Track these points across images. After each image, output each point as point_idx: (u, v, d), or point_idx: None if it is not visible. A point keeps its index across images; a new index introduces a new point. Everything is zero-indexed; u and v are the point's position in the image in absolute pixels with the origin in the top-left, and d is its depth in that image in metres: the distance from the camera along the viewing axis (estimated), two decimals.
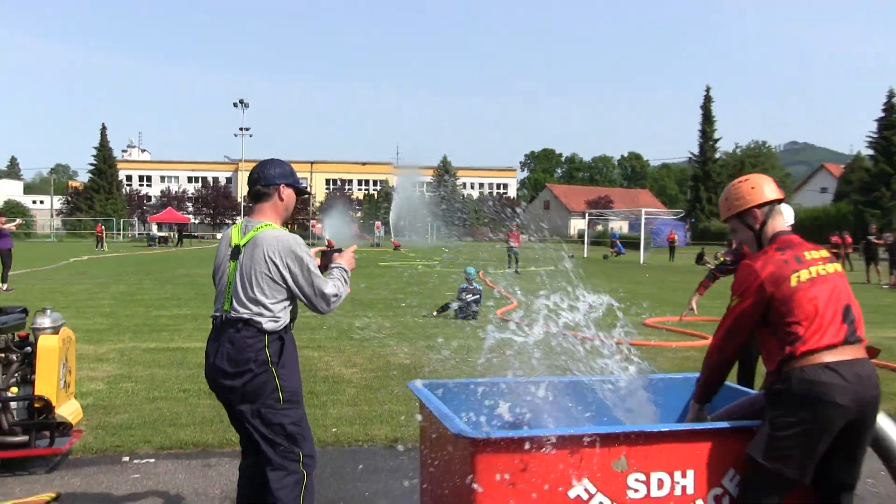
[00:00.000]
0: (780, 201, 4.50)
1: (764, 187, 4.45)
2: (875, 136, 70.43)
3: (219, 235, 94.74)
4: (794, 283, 4.10)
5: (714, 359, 4.41)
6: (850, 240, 41.16)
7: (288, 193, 4.88)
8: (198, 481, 6.63)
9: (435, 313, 17.85)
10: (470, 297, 17.50)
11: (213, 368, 4.59)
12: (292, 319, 4.71)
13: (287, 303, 4.64)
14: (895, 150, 68.64)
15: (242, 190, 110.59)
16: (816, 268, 4.16)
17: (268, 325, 4.52)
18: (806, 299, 4.07)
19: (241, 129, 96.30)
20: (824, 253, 4.29)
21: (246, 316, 4.51)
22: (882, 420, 4.30)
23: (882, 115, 69.85)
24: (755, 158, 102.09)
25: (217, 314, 4.68)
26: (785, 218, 5.86)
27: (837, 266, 4.28)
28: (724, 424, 4.29)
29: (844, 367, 4.01)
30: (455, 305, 17.43)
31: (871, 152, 71.77)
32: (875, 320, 18.34)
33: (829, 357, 4.01)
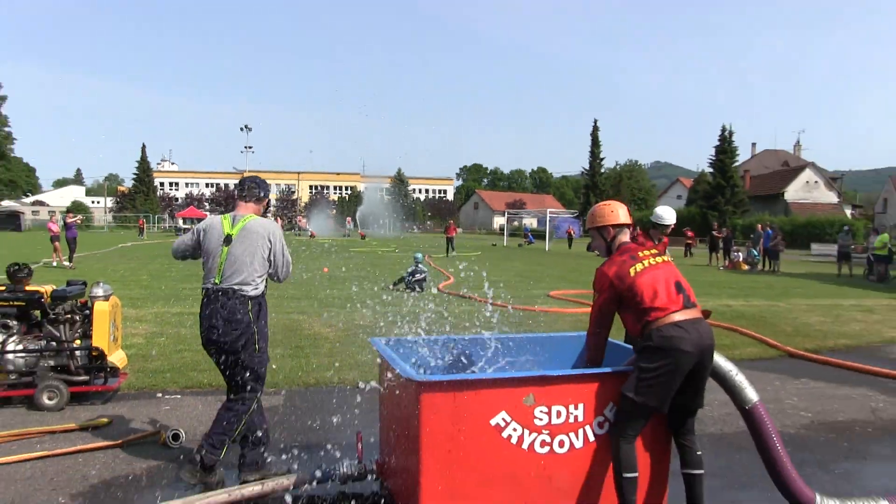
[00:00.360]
0: (628, 225, 4.67)
1: (619, 212, 4.66)
2: (714, 158, 71.60)
3: None
4: (632, 273, 4.29)
5: (592, 340, 4.56)
6: (692, 234, 41.99)
7: (268, 200, 5.24)
8: (213, 412, 6.51)
9: (392, 285, 17.80)
10: (419, 276, 17.50)
11: (210, 328, 4.76)
12: (265, 288, 4.96)
13: (265, 275, 4.91)
14: (727, 169, 69.99)
15: None
16: (647, 260, 4.37)
17: (251, 292, 4.78)
18: (645, 283, 4.27)
19: (245, 146, 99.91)
20: (654, 251, 4.48)
21: (235, 287, 4.74)
22: (717, 358, 4.38)
23: (718, 143, 71.10)
24: (630, 172, 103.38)
25: (208, 286, 4.82)
26: (664, 219, 6.30)
27: (664, 258, 4.46)
28: (605, 370, 4.31)
29: (688, 324, 4.15)
30: (408, 279, 17.47)
31: (711, 170, 72.86)
32: (713, 292, 18.63)
33: (676, 318, 4.16)
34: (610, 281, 4.33)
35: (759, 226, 33.93)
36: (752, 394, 4.45)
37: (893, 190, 75.60)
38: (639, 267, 4.32)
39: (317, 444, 5.81)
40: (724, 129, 71.61)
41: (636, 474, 4.12)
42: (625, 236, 4.63)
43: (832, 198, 75.28)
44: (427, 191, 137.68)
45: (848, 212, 73.77)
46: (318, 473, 4.73)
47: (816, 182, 75.72)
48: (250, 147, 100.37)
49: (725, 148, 71.01)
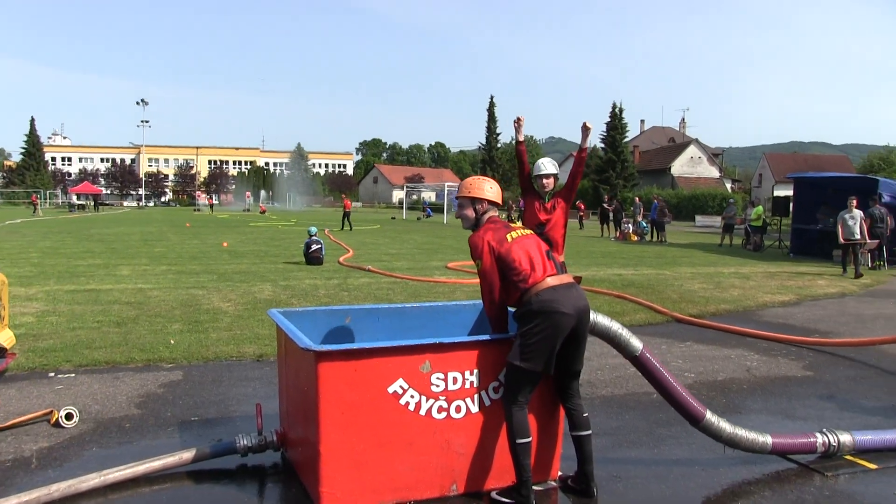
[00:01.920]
0: (497, 205, 4.69)
1: (497, 190, 4.66)
2: (605, 133, 73.36)
3: (126, 203, 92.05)
4: (509, 239, 4.33)
5: (491, 310, 4.43)
6: (583, 206, 43.04)
7: None
8: (108, 390, 6.33)
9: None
10: (314, 248, 17.13)
11: None
12: None
13: None
14: (618, 144, 71.92)
15: (144, 168, 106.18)
16: (518, 231, 4.44)
17: None
18: (520, 251, 4.30)
19: (142, 121, 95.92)
20: (520, 226, 4.60)
21: None
22: (595, 316, 4.49)
23: (609, 119, 72.90)
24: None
25: None
26: (541, 168, 6.34)
27: (528, 231, 4.57)
28: (497, 336, 4.36)
29: (563, 287, 4.21)
30: (305, 251, 17.11)
31: (602, 145, 74.60)
32: (605, 262, 19.16)
33: (551, 282, 4.20)
34: (488, 244, 4.31)
35: (637, 198, 35.03)
36: (636, 343, 4.61)
37: (768, 166, 79.24)
38: (513, 235, 4.37)
39: (216, 418, 5.68)
40: (614, 107, 73.68)
41: (529, 439, 4.18)
42: (492, 214, 4.64)
43: (714, 172, 78.42)
44: (327, 165, 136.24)
45: (728, 186, 77.02)
46: (217, 447, 4.63)
47: (700, 157, 78.69)
48: (147, 121, 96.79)
49: (616, 124, 73.04)
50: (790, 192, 27.21)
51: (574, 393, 4.44)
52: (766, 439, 4.79)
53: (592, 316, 4.48)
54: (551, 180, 6.58)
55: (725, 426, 4.68)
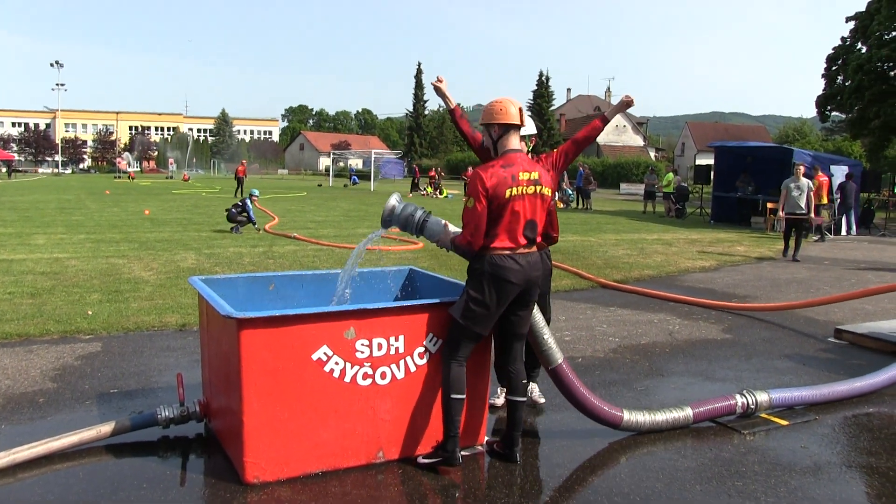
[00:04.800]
0: (517, 126, 4.33)
1: (509, 110, 4.28)
2: (532, 102, 73.98)
3: (41, 170, 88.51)
4: (507, 195, 4.09)
5: (465, 245, 4.21)
6: (433, 172, 43.35)
7: None
8: (20, 364, 6.07)
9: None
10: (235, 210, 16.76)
11: None
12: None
13: None
14: (545, 112, 72.55)
15: (60, 133, 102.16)
16: (522, 188, 4.14)
17: None
18: (510, 210, 4.11)
19: (57, 84, 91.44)
20: (535, 175, 4.19)
21: None
22: (536, 314, 4.49)
23: (536, 88, 73.46)
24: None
25: None
26: (527, 129, 5.38)
27: (537, 188, 4.19)
28: (423, 302, 4.33)
29: (520, 256, 4.14)
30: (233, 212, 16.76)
31: (529, 113, 75.17)
32: None
33: (509, 252, 4.12)
34: (486, 191, 4.08)
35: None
36: (557, 355, 4.59)
37: (690, 135, 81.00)
38: (514, 191, 4.10)
39: (137, 389, 5.52)
40: (541, 75, 74.32)
41: (463, 396, 4.19)
42: (513, 140, 4.30)
43: (639, 141, 79.80)
44: (252, 132, 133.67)
45: (652, 154, 78.47)
46: (137, 419, 4.50)
47: (625, 126, 79.90)
48: (62, 84, 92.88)
49: (543, 92, 73.70)
50: (712, 161, 27.88)
51: (516, 357, 4.43)
52: (687, 413, 4.93)
53: (534, 315, 4.48)
54: (523, 144, 5.50)
55: (644, 418, 4.79)
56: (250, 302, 4.85)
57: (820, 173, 19.56)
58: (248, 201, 17.11)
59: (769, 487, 4.13)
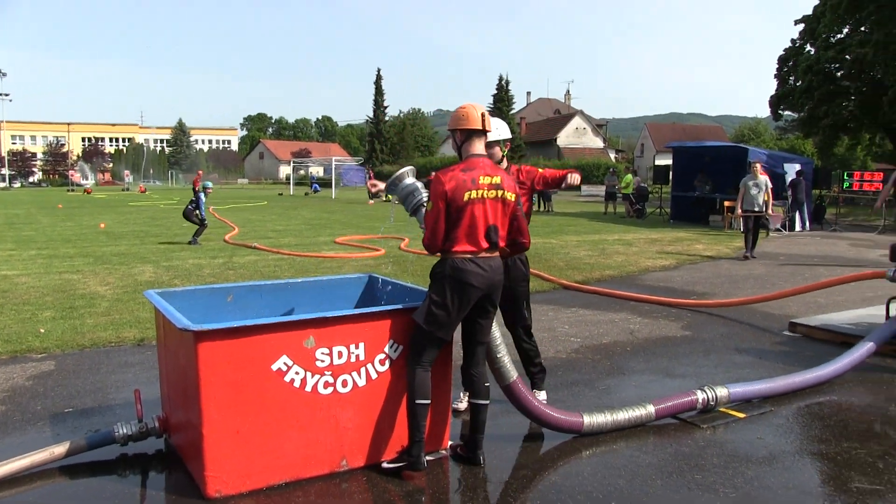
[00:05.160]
0: (481, 132, 4.36)
1: (471, 115, 4.31)
2: (492, 106, 74.16)
3: None
4: (466, 199, 4.13)
5: (428, 246, 4.26)
6: None
7: None
8: None
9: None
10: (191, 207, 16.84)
11: None
12: None
13: None
14: (505, 116, 72.62)
15: (6, 146, 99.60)
16: (483, 192, 4.17)
17: None
18: (469, 214, 4.15)
19: (0, 94, 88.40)
20: (496, 180, 4.22)
21: None
22: (495, 330, 4.53)
23: (496, 92, 73.82)
24: (413, 120, 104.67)
25: None
26: (500, 134, 5.33)
27: (499, 192, 4.23)
28: (384, 308, 4.36)
29: (482, 260, 4.18)
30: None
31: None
32: None
33: (474, 254, 4.17)
34: (445, 194, 4.14)
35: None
36: (511, 373, 4.61)
37: (649, 136, 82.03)
38: (473, 195, 4.15)
39: (94, 407, 5.45)
40: (501, 79, 74.55)
41: (428, 401, 4.22)
42: (477, 146, 4.34)
43: (599, 143, 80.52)
44: (210, 141, 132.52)
45: (612, 156, 79.19)
46: (94, 438, 4.45)
47: (585, 128, 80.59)
48: (6, 95, 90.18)
49: (503, 96, 73.96)
50: (670, 161, 28.28)
51: (479, 361, 4.46)
52: (649, 409, 5.02)
53: (492, 331, 4.51)
54: (496, 149, 5.20)
55: (605, 418, 4.87)
56: (209, 314, 4.82)
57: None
58: (202, 195, 17.04)
59: (727, 479, 4.23)
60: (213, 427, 3.83)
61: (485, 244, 4.19)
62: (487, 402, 4.47)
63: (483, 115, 4.35)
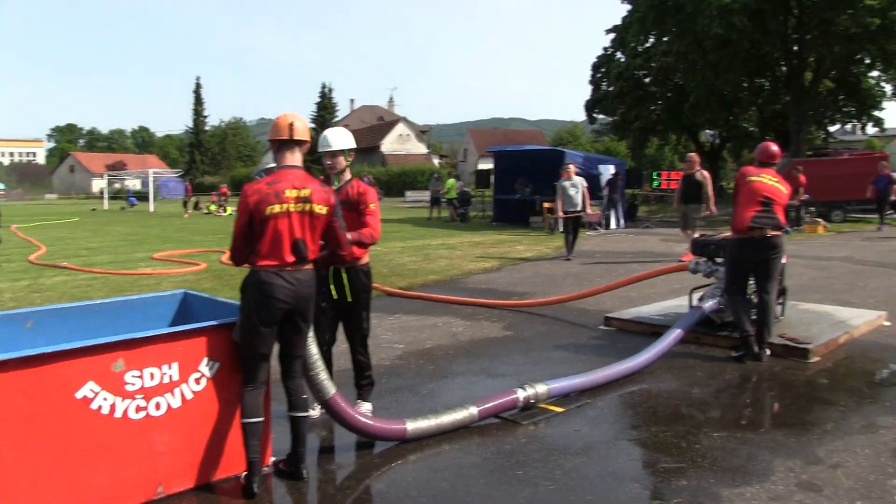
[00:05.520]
0: (293, 142, 4.30)
1: (277, 127, 4.30)
2: (316, 113, 73.89)
3: None
4: (268, 213, 4.10)
5: (233, 259, 4.29)
6: (225, 190, 42.64)
7: None
8: None
9: None
10: None
11: None
12: None
13: None
14: (329, 124, 72.57)
15: None
16: (288, 205, 4.13)
17: None
18: (272, 227, 4.11)
19: None
20: (305, 192, 4.18)
21: None
22: (310, 346, 4.51)
23: (319, 100, 73.49)
24: (235, 130, 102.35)
25: None
26: (327, 143, 5.22)
27: (307, 206, 4.18)
28: (195, 326, 4.23)
29: (287, 273, 4.15)
30: None
31: (313, 125, 74.98)
32: None
33: (279, 268, 4.14)
34: (249, 206, 4.11)
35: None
36: (329, 388, 4.60)
37: (472, 141, 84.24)
38: (276, 209, 4.10)
39: None
40: (324, 86, 74.37)
41: (258, 419, 4.16)
42: (288, 157, 4.30)
43: (422, 149, 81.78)
44: (13, 154, 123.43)
45: (436, 161, 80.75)
46: None
47: (409, 135, 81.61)
48: None
49: (326, 104, 73.76)
50: (492, 166, 29.19)
51: (294, 374, 4.43)
52: (472, 411, 5.16)
53: (308, 346, 4.49)
54: (339, 159, 5.24)
55: (429, 423, 4.96)
56: (4, 345, 4.49)
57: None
58: None
59: (547, 472, 4.44)
60: (7, 467, 3.56)
61: (290, 258, 4.16)
62: (307, 414, 4.46)
63: (291, 124, 4.32)
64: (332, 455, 4.86)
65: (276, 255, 4.14)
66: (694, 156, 14.65)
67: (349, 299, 5.23)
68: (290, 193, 4.16)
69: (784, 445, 4.81)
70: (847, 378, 6.38)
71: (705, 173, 14.13)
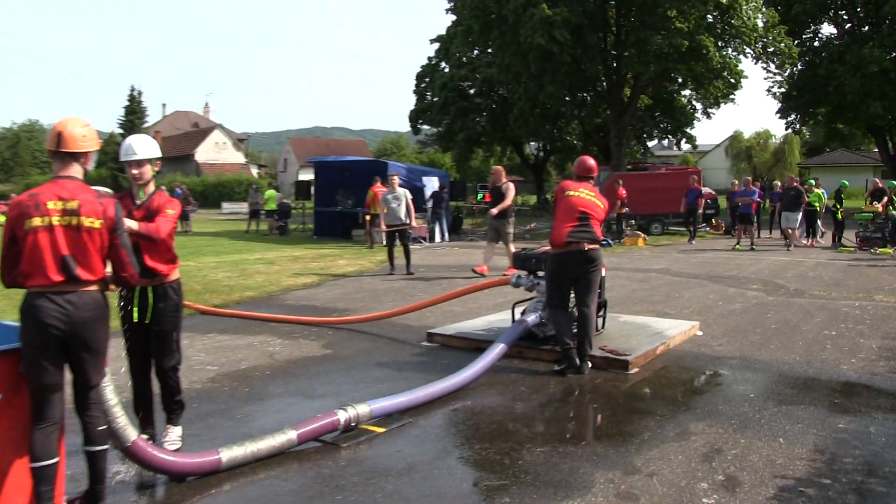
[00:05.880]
0: (66, 153, 3.95)
1: (49, 138, 4.01)
2: (124, 118, 70.48)
3: None
4: (26, 227, 3.75)
5: (4, 279, 3.93)
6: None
7: None
8: None
9: None
10: None
11: None
12: None
13: None
14: (138, 129, 69.33)
15: None
16: (51, 218, 3.78)
17: None
18: (33, 243, 3.76)
19: None
20: (73, 205, 3.83)
21: None
22: (104, 387, 4.14)
23: (128, 104, 70.20)
24: (30, 133, 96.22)
25: None
26: (136, 153, 4.80)
27: (74, 219, 3.83)
28: None
29: (56, 295, 3.80)
30: None
31: (122, 131, 71.42)
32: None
33: (47, 289, 3.79)
34: (11, 219, 3.80)
35: (161, 187, 34.26)
36: (130, 433, 4.29)
37: (292, 151, 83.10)
38: (36, 222, 3.75)
39: None
40: (132, 90, 71.03)
41: (47, 462, 3.77)
42: (61, 169, 3.98)
43: (240, 158, 79.86)
44: None
45: (254, 171, 79.07)
46: None
47: (225, 143, 79.43)
48: None
49: (135, 108, 70.46)
50: (313, 176, 28.85)
51: (89, 405, 4.04)
52: (291, 435, 4.96)
53: (103, 386, 4.12)
54: (145, 169, 4.91)
55: (244, 451, 4.72)
56: None
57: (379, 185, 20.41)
58: None
59: (367, 496, 4.32)
60: None
61: (57, 277, 3.80)
62: (105, 447, 4.09)
63: (59, 134, 3.97)
64: (138, 490, 4.49)
65: (41, 275, 3.78)
66: (499, 168, 15.13)
67: (147, 321, 4.89)
68: (55, 206, 3.83)
69: (604, 457, 4.95)
70: (664, 388, 6.70)
71: (510, 185, 14.53)
